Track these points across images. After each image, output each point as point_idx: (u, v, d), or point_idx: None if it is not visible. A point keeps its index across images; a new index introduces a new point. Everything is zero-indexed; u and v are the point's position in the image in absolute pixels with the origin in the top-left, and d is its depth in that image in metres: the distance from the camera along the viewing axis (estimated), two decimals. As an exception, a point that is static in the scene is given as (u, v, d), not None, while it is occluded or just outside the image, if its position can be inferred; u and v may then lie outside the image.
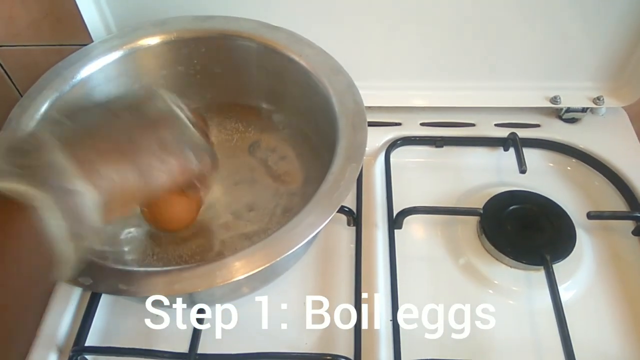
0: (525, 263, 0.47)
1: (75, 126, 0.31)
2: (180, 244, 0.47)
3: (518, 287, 0.47)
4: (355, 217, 0.50)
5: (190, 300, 0.43)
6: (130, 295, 0.35)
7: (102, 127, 0.31)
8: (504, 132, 0.57)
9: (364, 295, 0.45)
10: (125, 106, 0.34)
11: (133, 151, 0.31)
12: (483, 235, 0.49)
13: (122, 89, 0.50)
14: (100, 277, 0.34)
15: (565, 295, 0.46)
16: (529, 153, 0.55)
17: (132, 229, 0.48)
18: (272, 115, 0.53)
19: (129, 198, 0.31)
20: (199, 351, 0.42)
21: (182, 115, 0.35)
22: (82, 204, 0.28)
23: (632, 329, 0.45)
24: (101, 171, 0.29)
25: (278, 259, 0.34)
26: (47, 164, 0.28)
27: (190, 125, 0.35)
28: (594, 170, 0.56)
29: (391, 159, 0.56)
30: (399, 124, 0.60)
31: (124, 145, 0.31)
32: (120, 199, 0.30)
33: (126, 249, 0.46)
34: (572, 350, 0.41)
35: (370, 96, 0.56)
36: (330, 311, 0.46)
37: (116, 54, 0.48)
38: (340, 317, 0.45)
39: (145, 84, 0.36)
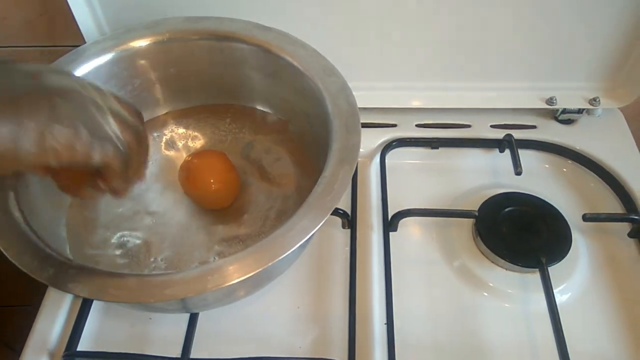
0: (520, 265, 0.47)
1: None
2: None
3: (513, 290, 0.47)
4: (350, 220, 0.50)
5: (183, 305, 0.42)
6: (120, 301, 0.34)
7: None
8: (499, 134, 0.57)
9: (359, 298, 0.45)
10: (25, 71, 0.31)
11: (11, 113, 0.28)
12: (478, 238, 0.49)
13: (115, 91, 0.49)
14: (89, 283, 0.34)
15: (560, 298, 0.46)
16: (524, 154, 0.55)
17: (125, 232, 0.47)
18: (265, 117, 0.53)
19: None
20: (192, 356, 0.42)
21: (95, 97, 0.33)
22: None
23: (628, 331, 0.45)
24: None
25: (271, 264, 0.34)
26: None
27: (108, 111, 0.33)
28: (590, 172, 0.56)
29: (386, 161, 0.56)
30: (394, 126, 0.59)
31: (2, 104, 0.28)
32: None
33: (118, 252, 0.46)
34: (567, 353, 0.41)
35: (366, 97, 0.56)
36: (325, 315, 0.46)
37: (109, 55, 0.48)
38: (335, 320, 0.45)
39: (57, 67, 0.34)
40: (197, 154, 0.51)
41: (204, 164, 0.49)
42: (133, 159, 0.35)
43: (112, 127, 0.33)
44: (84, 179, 0.35)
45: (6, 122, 0.28)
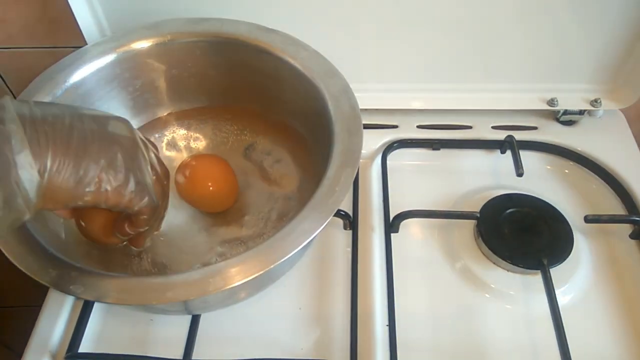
0: (522, 267, 0.47)
1: (40, 111, 0.31)
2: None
3: (515, 291, 0.47)
4: (351, 221, 0.50)
5: (185, 306, 0.42)
6: (122, 304, 0.34)
7: (64, 122, 0.32)
8: (501, 135, 0.57)
9: (360, 299, 0.45)
10: (92, 115, 0.34)
11: (81, 155, 0.32)
12: (480, 239, 0.49)
13: (116, 92, 0.49)
14: (91, 285, 0.34)
15: (562, 299, 0.46)
16: (526, 156, 0.55)
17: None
18: (267, 118, 0.53)
19: (60, 195, 0.31)
20: (194, 357, 0.42)
21: (142, 148, 0.36)
22: (21, 178, 0.29)
23: (630, 332, 0.45)
24: (48, 157, 0.30)
25: (273, 266, 0.34)
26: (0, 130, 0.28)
27: (149, 163, 0.36)
28: (592, 173, 0.56)
29: (388, 162, 0.56)
30: (395, 127, 0.59)
31: (75, 146, 0.31)
32: (53, 192, 0.31)
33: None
34: (570, 355, 0.41)
35: (367, 98, 0.56)
36: (326, 316, 0.46)
37: (110, 57, 0.48)
38: (336, 322, 0.45)
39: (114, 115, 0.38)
40: (194, 158, 0.51)
41: (201, 168, 0.49)
42: (158, 211, 0.38)
43: (150, 178, 0.36)
44: (110, 226, 0.38)
45: (77, 164, 0.31)
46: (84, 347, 0.44)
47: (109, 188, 0.33)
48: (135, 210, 0.35)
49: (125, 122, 0.37)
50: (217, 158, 0.50)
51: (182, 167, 0.49)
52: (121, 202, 0.34)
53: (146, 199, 0.35)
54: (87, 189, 0.32)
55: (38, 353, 0.43)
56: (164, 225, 0.40)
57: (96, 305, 0.46)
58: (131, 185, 0.34)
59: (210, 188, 0.48)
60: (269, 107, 0.53)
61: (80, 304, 0.46)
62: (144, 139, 0.37)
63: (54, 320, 0.45)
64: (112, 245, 0.42)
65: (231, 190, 0.49)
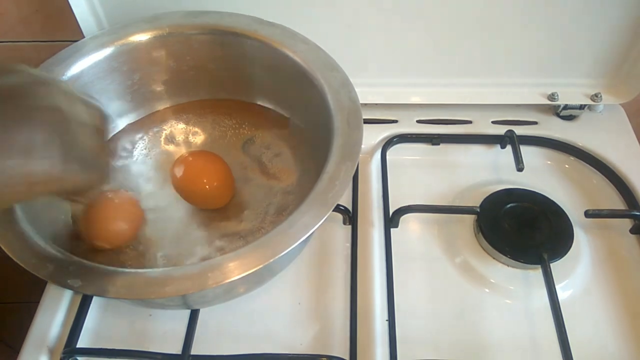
0: (522, 262, 0.47)
1: None
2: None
3: (515, 286, 0.47)
4: (351, 216, 0.49)
5: (184, 301, 0.42)
6: (120, 298, 0.34)
7: None
8: (501, 130, 0.57)
9: (360, 294, 0.45)
10: (11, 86, 0.30)
11: None
12: (480, 234, 0.49)
13: (114, 86, 0.49)
14: (89, 279, 0.34)
15: (562, 294, 0.46)
16: (526, 151, 0.55)
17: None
18: (266, 112, 0.53)
19: None
20: (192, 352, 0.42)
21: (73, 118, 0.32)
22: None
23: (630, 327, 0.45)
24: None
25: (272, 261, 0.34)
26: None
27: (83, 132, 0.33)
28: (592, 168, 0.56)
29: (387, 157, 0.55)
30: (395, 121, 0.59)
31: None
32: None
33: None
34: (570, 349, 0.41)
35: (367, 93, 0.56)
36: (326, 311, 0.45)
37: (108, 50, 0.48)
38: (336, 317, 0.45)
39: (44, 76, 0.33)
40: (190, 154, 0.50)
41: (196, 165, 0.48)
42: (95, 165, 0.35)
43: (85, 147, 0.33)
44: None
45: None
46: (82, 342, 0.43)
47: (30, 175, 0.30)
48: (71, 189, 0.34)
49: (51, 83, 0.32)
50: (213, 155, 0.50)
51: (178, 163, 0.49)
52: (58, 184, 0.32)
53: (77, 169, 0.32)
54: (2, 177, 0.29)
55: (36, 348, 0.43)
56: (164, 218, 0.40)
57: (94, 300, 0.46)
58: (57, 162, 0.30)
59: (206, 187, 0.47)
60: (268, 101, 0.52)
61: (79, 299, 0.45)
62: (65, 87, 0.33)
63: (52, 315, 0.45)
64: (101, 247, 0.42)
65: (226, 188, 0.49)
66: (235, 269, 0.34)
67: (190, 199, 0.49)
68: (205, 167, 0.48)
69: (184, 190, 0.48)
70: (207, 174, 0.48)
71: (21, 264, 0.35)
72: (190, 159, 0.48)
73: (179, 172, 0.48)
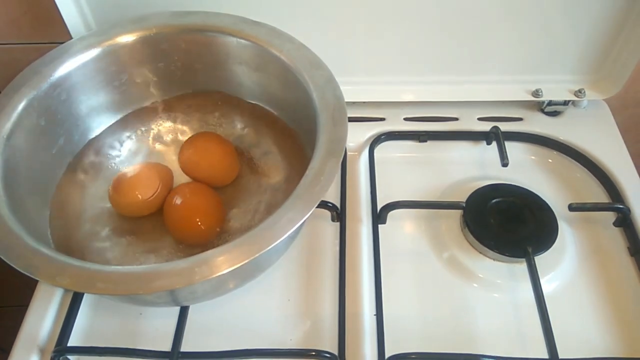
0: (508, 256, 0.47)
1: None
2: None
3: (501, 280, 0.47)
4: (339, 213, 0.50)
5: (172, 298, 0.42)
6: (108, 294, 0.34)
7: None
8: (486, 126, 0.58)
9: (348, 290, 0.45)
10: None
11: None
12: (466, 229, 0.49)
13: (102, 86, 0.49)
14: (78, 275, 0.34)
15: (548, 286, 0.46)
16: (511, 146, 0.56)
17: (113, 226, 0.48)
18: (254, 110, 0.53)
19: None
20: (182, 349, 0.42)
21: None
22: None
23: (614, 319, 0.46)
24: None
25: (258, 255, 0.34)
26: None
27: None
28: (576, 163, 0.56)
29: (375, 154, 0.56)
30: (382, 119, 0.60)
31: None
32: None
33: (107, 245, 0.46)
34: (554, 342, 0.41)
35: (354, 91, 0.56)
36: (315, 307, 0.46)
37: (95, 51, 0.48)
38: (325, 312, 0.45)
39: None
40: (198, 135, 0.52)
41: (205, 146, 0.51)
42: None
43: None
44: None
45: None
46: (73, 341, 0.44)
47: None
48: None
49: None
50: (218, 136, 0.52)
51: (186, 144, 0.51)
52: None
53: None
54: None
55: (27, 347, 0.43)
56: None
57: (85, 299, 0.46)
58: None
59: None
60: (256, 99, 0.53)
61: (69, 298, 0.46)
62: None
63: (43, 315, 0.45)
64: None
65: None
66: (222, 264, 0.34)
67: (202, 176, 0.51)
68: (213, 147, 0.51)
69: (194, 168, 0.51)
70: (216, 152, 0.50)
71: (8, 261, 0.35)
72: (199, 140, 0.52)
73: (189, 153, 0.50)
